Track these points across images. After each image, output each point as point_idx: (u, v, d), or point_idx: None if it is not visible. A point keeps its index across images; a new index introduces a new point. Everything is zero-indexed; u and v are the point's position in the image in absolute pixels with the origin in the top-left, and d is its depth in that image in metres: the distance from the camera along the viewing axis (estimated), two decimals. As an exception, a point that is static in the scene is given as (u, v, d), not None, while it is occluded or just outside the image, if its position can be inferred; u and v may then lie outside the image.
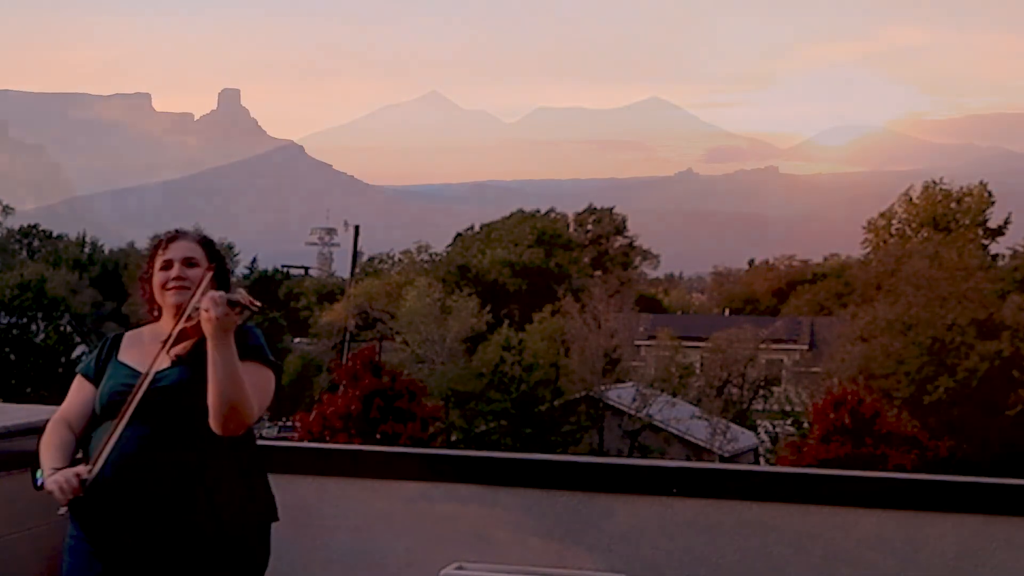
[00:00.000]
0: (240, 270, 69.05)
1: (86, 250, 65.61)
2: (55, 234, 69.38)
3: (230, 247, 63.50)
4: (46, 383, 38.66)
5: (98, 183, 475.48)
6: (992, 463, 28.84)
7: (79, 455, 3.26)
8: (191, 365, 3.16)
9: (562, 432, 32.32)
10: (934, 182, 49.50)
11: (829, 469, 15.15)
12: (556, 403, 33.05)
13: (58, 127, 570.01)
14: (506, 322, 36.74)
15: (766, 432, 34.80)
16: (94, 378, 3.35)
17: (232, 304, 3.07)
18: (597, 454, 30.51)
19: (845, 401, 23.43)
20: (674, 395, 35.92)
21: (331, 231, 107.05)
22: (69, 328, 45.33)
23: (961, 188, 49.06)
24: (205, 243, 3.42)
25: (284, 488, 3.46)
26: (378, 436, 22.31)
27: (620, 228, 65.84)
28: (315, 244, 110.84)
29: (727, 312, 61.53)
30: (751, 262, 79.57)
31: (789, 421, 33.31)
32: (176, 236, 3.40)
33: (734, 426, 34.43)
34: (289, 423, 37.20)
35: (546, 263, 53.74)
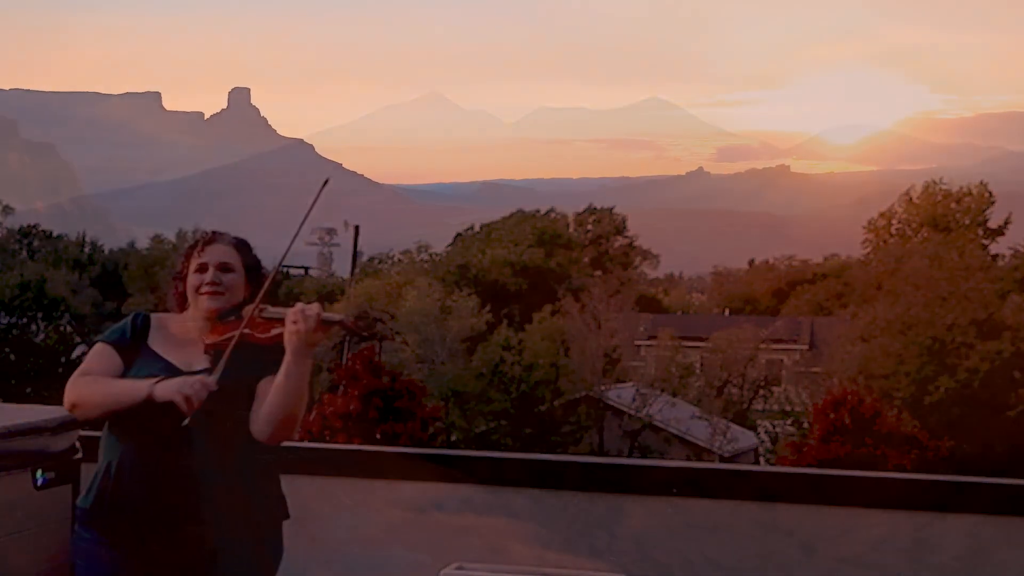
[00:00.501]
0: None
1: (86, 250, 65.56)
2: (58, 234, 69.32)
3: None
4: (46, 383, 38.56)
5: (108, 182, 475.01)
6: (992, 463, 28.81)
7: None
8: (225, 370, 3.08)
9: (562, 432, 32.32)
10: (934, 182, 49.47)
11: (834, 470, 15.14)
12: (556, 403, 33.03)
13: (68, 126, 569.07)
14: (506, 322, 36.75)
15: (766, 432, 34.78)
16: (127, 351, 3.24)
17: (326, 323, 3.01)
18: (597, 454, 30.49)
19: (845, 401, 23.41)
20: (674, 395, 35.87)
21: (331, 231, 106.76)
22: (69, 328, 45.28)
23: (961, 188, 49.01)
24: (241, 247, 3.37)
25: (284, 488, 3.45)
26: (378, 436, 22.28)
27: (620, 228, 65.79)
28: (315, 244, 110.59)
29: (727, 312, 61.45)
30: (751, 262, 79.52)
31: (789, 421, 33.32)
32: (212, 239, 3.35)
33: (734, 426, 34.42)
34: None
35: (546, 263, 53.66)
